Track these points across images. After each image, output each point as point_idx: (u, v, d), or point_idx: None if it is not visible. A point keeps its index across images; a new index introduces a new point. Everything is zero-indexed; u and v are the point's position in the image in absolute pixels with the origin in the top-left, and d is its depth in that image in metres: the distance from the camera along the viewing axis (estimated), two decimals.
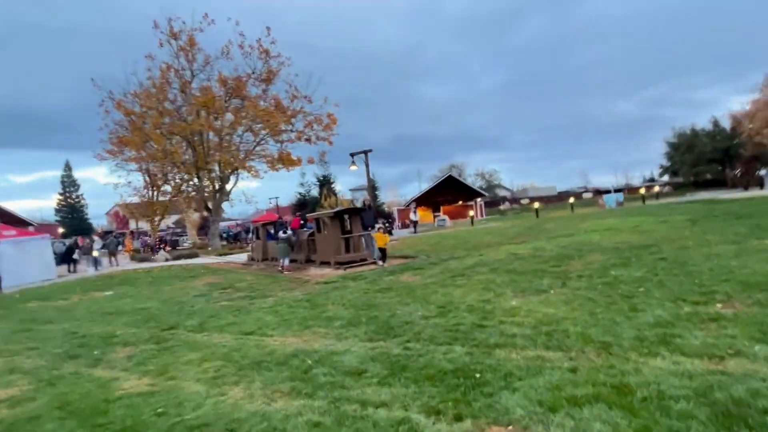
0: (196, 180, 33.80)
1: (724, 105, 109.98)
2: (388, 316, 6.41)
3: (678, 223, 14.18)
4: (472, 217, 32.01)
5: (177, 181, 36.30)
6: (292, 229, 16.70)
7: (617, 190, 37.11)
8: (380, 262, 13.47)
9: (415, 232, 30.26)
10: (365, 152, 28.90)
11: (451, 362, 4.36)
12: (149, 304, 10.12)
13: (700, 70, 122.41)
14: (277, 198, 68.35)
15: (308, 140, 33.92)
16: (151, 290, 12.74)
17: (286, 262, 14.88)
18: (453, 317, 6.03)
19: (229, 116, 32.57)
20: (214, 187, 33.62)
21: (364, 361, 4.67)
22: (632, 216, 18.81)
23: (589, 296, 6.40)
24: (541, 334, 4.94)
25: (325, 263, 14.43)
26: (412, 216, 32.84)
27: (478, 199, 57.94)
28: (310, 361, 4.84)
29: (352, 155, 28.95)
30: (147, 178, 36.96)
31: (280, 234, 15.40)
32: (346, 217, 14.50)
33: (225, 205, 36.27)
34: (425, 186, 66.00)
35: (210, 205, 34.36)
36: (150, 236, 35.32)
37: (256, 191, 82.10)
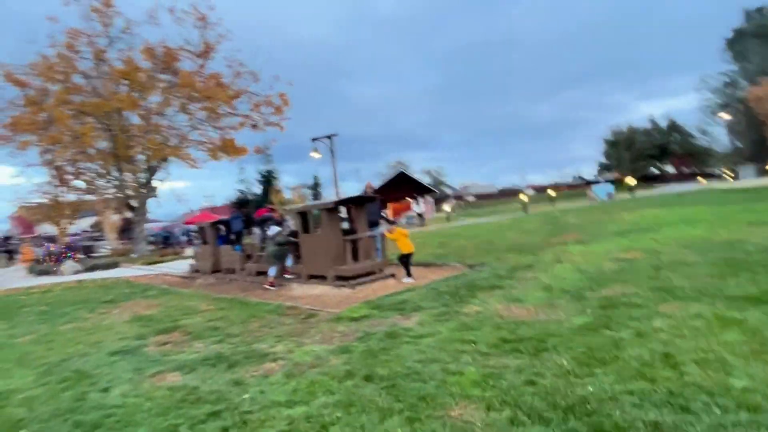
0: (115, 172, 27.58)
1: (631, 109, 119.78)
2: None
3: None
4: (448, 214, 28.31)
5: (91, 174, 29.69)
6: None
7: (607, 182, 34.92)
8: (407, 278, 9.11)
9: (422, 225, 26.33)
10: (329, 137, 24.42)
11: None
12: (13, 381, 5.13)
13: (609, 78, 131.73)
14: (212, 196, 61.85)
15: (254, 126, 28.72)
16: (35, 334, 7.58)
17: (273, 272, 10.31)
18: None
19: (158, 94, 26.68)
20: (138, 180, 27.56)
21: None
22: (672, 206, 15.66)
23: None
24: None
25: (315, 277, 9.84)
26: (415, 208, 28.74)
27: (427, 196, 54.98)
28: None
29: (313, 140, 24.36)
30: (52, 172, 30.02)
31: (271, 229, 10.59)
32: (346, 209, 10.00)
33: (151, 205, 30.16)
34: (376, 183, 62.36)
35: (134, 203, 28.24)
36: (56, 242, 28.53)
37: (186, 191, 74.60)
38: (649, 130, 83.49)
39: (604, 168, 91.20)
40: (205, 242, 14.64)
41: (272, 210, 12.32)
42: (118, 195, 29.61)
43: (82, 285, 14.70)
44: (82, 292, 13.00)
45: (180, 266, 18.81)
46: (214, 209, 57.89)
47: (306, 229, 10.08)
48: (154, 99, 26.85)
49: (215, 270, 14.05)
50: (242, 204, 51.55)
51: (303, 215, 10.07)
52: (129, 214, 32.28)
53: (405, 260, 9.36)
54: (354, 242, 9.24)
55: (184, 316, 7.77)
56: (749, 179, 31.95)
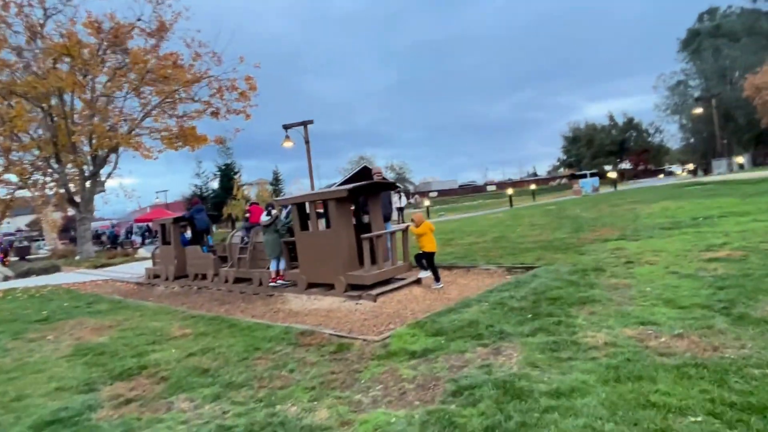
0: (55, 163, 24.27)
1: (581, 109, 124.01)
2: None
3: None
4: (428, 208, 26.64)
5: (26, 165, 26.15)
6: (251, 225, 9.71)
7: (592, 175, 34.14)
8: (436, 284, 7.29)
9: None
10: (304, 124, 22.13)
11: None
12: None
13: (559, 79, 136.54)
14: (165, 191, 57.95)
15: (216, 114, 26.03)
16: None
17: (275, 266, 8.61)
18: None
19: (106, 74, 23.53)
20: (83, 172, 24.33)
21: None
22: (687, 199, 14.49)
23: None
24: None
25: (318, 286, 7.78)
26: (396, 203, 26.68)
27: (392, 192, 53.22)
28: None
29: (285, 128, 21.98)
30: None
31: (263, 217, 8.52)
32: (360, 199, 8.00)
33: (97, 201, 26.82)
34: (338, 179, 60.22)
35: (77, 198, 24.97)
36: None
37: (136, 187, 69.84)
38: (607, 127, 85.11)
39: (564, 164, 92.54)
40: (166, 242, 12.21)
41: (257, 205, 10.10)
42: (59, 189, 26.25)
43: (10, 295, 11.97)
44: (9, 305, 10.35)
45: (133, 270, 16.24)
46: (167, 205, 54.10)
47: (304, 224, 8.00)
48: (100, 80, 23.75)
49: (180, 275, 11.71)
50: (203, 198, 47.84)
51: (300, 207, 7.97)
52: (72, 212, 28.91)
53: (429, 261, 7.50)
54: (371, 241, 7.22)
55: (152, 347, 5.56)
56: (722, 173, 32.12)
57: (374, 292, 6.90)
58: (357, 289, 7.20)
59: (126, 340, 6.06)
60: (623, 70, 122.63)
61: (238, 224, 41.94)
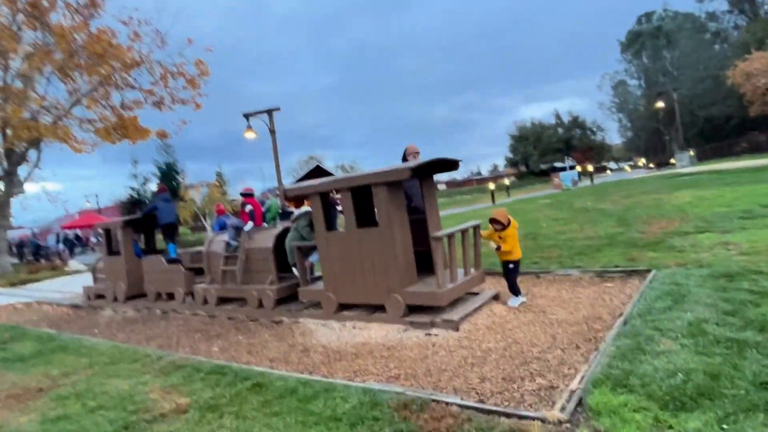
0: None
1: (517, 111, 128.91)
2: None
3: None
4: None
5: None
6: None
7: (571, 168, 33.20)
8: (516, 300, 5.30)
9: None
10: (269, 111, 19.51)
11: None
12: None
13: (497, 82, 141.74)
14: (96, 196, 52.54)
15: (159, 104, 22.71)
16: None
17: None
18: None
19: (23, 52, 19.73)
20: None
21: None
22: (709, 188, 13.34)
23: None
24: None
25: (352, 307, 5.51)
26: None
27: None
28: None
29: (246, 116, 19.24)
30: None
31: (297, 211, 6.15)
32: (412, 183, 5.77)
33: (15, 207, 22.71)
34: (288, 181, 57.43)
35: None
36: None
37: (61, 192, 63.46)
38: (554, 125, 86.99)
39: (510, 163, 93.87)
40: (113, 252, 9.40)
41: (250, 195, 7.58)
42: None
43: None
44: None
45: (65, 287, 13.10)
46: (99, 211, 48.92)
47: (329, 222, 5.70)
48: (17, 63, 19.87)
49: (133, 294, 8.98)
50: (134, 204, 42.80)
51: (324, 198, 5.65)
52: None
53: (513, 272, 5.46)
54: (442, 243, 5.02)
55: None
56: (685, 166, 32.43)
57: (455, 316, 4.73)
58: (417, 311, 5.02)
59: (72, 423, 3.54)
60: (558, 74, 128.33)
61: (184, 230, 37.93)
